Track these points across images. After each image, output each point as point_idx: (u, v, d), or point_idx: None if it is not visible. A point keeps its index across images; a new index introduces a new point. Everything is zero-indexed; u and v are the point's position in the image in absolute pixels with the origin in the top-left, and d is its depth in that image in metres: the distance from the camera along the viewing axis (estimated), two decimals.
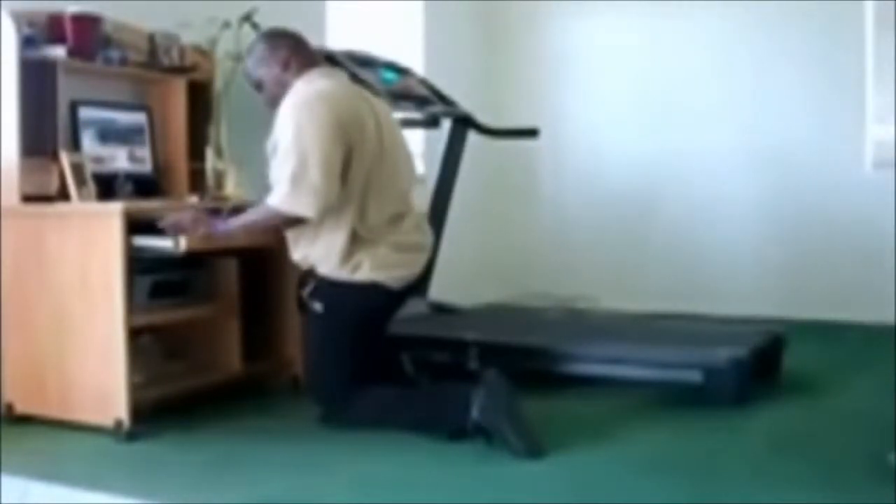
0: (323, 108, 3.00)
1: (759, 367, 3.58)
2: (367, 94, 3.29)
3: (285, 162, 2.95)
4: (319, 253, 3.08)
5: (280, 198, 2.96)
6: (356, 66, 3.90)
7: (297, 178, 2.92)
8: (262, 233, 3.16)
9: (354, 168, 3.01)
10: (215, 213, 3.19)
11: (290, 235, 3.12)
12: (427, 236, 3.30)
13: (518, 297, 5.43)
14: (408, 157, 3.28)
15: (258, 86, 3.23)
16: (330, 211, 2.99)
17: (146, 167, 3.61)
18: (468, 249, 5.44)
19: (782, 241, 5.31)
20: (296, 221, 3.01)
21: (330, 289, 3.10)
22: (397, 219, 3.15)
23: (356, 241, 3.05)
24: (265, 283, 3.65)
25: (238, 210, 3.17)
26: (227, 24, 3.72)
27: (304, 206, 2.94)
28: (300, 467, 2.75)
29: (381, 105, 3.28)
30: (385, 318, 3.23)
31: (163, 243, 3.02)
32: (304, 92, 3.06)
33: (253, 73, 3.23)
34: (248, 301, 3.57)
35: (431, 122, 4.32)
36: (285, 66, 3.15)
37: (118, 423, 2.98)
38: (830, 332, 4.01)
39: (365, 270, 3.05)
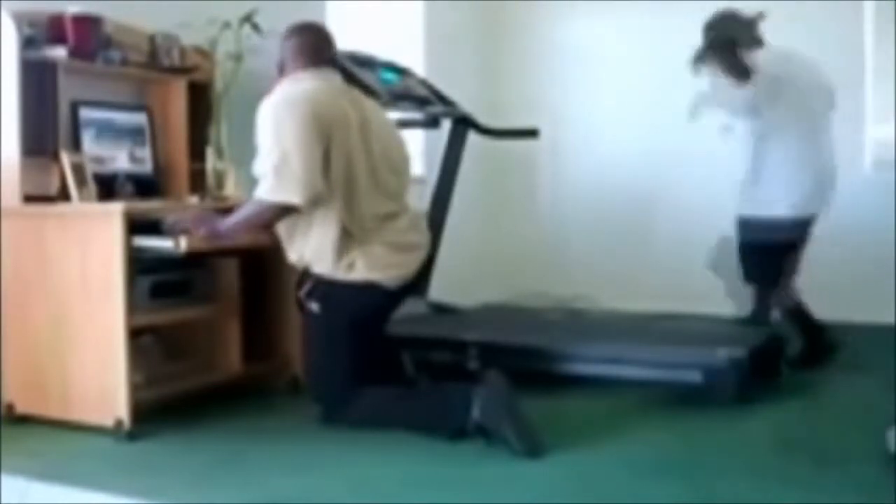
0: (300, 104, 3.03)
1: (759, 367, 3.58)
2: (354, 93, 3.30)
3: (267, 157, 3.00)
4: (313, 250, 3.09)
5: (266, 189, 3.00)
6: (356, 67, 3.90)
7: (279, 170, 2.96)
8: (257, 228, 3.15)
9: (334, 162, 3.03)
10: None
11: (284, 235, 3.13)
12: (423, 236, 3.31)
13: (518, 297, 5.42)
14: (399, 157, 3.28)
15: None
16: (318, 205, 3.01)
17: (146, 167, 3.62)
18: (468, 249, 5.43)
19: None
20: (286, 212, 3.03)
21: (326, 289, 3.11)
22: (391, 218, 3.16)
23: (348, 238, 3.06)
24: (265, 283, 3.65)
25: (228, 210, 3.18)
26: (227, 25, 3.72)
27: (290, 194, 2.96)
28: (300, 467, 2.75)
29: (369, 105, 3.29)
30: (383, 317, 3.24)
31: (163, 243, 3.03)
32: (283, 92, 3.10)
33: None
34: (248, 301, 3.57)
35: (431, 123, 4.32)
36: (281, 70, 3.20)
37: (118, 423, 2.99)
38: (830, 332, 4.01)
39: (360, 270, 3.06)
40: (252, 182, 3.11)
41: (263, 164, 3.01)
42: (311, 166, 2.97)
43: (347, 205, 3.06)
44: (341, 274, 3.07)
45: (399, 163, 3.27)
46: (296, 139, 2.97)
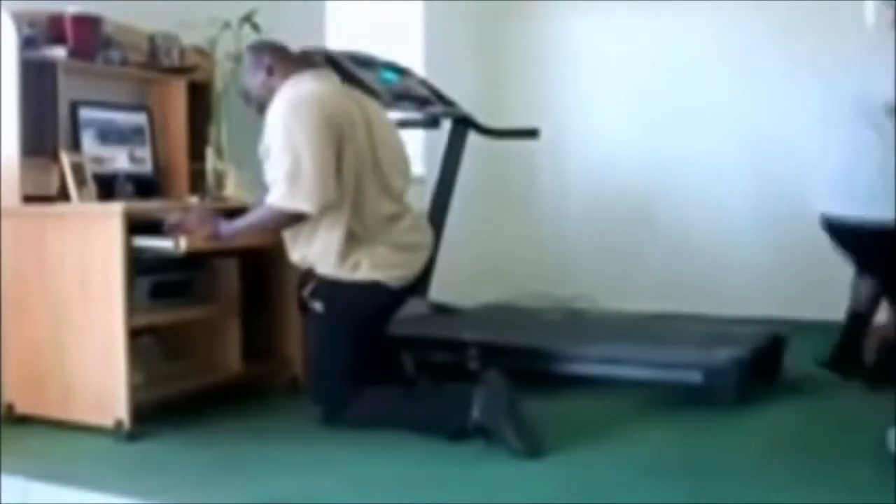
0: (310, 107, 3.02)
1: (759, 367, 3.58)
2: (357, 94, 3.30)
3: (279, 163, 2.97)
4: (317, 252, 3.09)
5: (278, 196, 2.98)
6: (355, 67, 3.90)
7: (292, 176, 2.94)
8: (264, 232, 3.16)
9: (345, 165, 3.03)
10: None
11: (288, 235, 3.12)
12: (426, 235, 3.31)
13: (518, 297, 5.42)
14: (403, 159, 3.28)
15: (246, 96, 3.29)
16: (327, 208, 3.00)
17: (146, 167, 3.62)
18: (468, 249, 5.43)
19: (782, 242, 5.31)
20: (296, 219, 3.02)
21: (330, 289, 3.11)
22: (394, 218, 3.16)
23: (353, 240, 3.06)
24: (265, 283, 3.65)
25: (234, 213, 3.17)
26: (227, 25, 3.73)
27: (303, 202, 2.95)
28: (300, 467, 2.75)
29: (372, 106, 3.29)
30: (385, 317, 3.23)
31: (163, 244, 3.02)
32: (290, 94, 3.08)
33: (241, 83, 3.30)
34: (248, 301, 3.57)
35: (431, 123, 4.32)
36: (270, 72, 3.19)
37: (118, 424, 2.98)
38: (830, 332, 4.00)
39: (365, 270, 3.06)
40: (255, 184, 3.10)
41: (275, 170, 2.99)
42: (325, 172, 2.96)
43: (355, 207, 3.06)
44: (346, 274, 3.07)
45: (403, 164, 3.28)
46: (308, 144, 2.95)
